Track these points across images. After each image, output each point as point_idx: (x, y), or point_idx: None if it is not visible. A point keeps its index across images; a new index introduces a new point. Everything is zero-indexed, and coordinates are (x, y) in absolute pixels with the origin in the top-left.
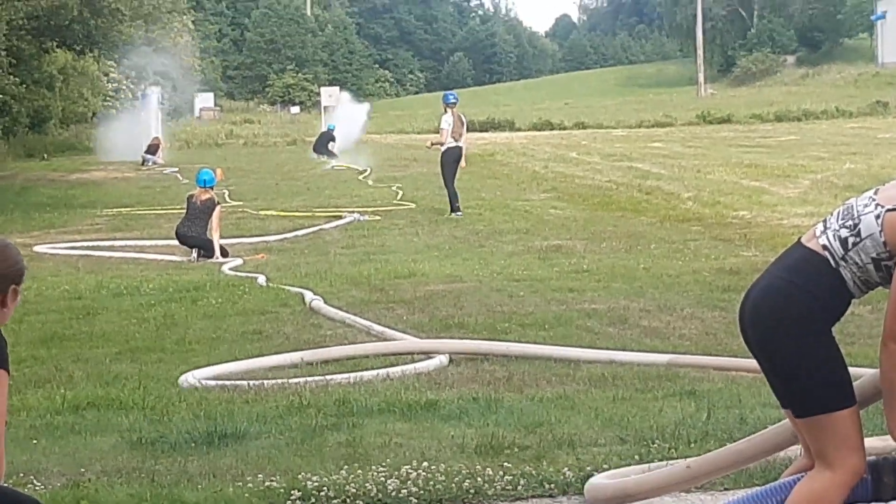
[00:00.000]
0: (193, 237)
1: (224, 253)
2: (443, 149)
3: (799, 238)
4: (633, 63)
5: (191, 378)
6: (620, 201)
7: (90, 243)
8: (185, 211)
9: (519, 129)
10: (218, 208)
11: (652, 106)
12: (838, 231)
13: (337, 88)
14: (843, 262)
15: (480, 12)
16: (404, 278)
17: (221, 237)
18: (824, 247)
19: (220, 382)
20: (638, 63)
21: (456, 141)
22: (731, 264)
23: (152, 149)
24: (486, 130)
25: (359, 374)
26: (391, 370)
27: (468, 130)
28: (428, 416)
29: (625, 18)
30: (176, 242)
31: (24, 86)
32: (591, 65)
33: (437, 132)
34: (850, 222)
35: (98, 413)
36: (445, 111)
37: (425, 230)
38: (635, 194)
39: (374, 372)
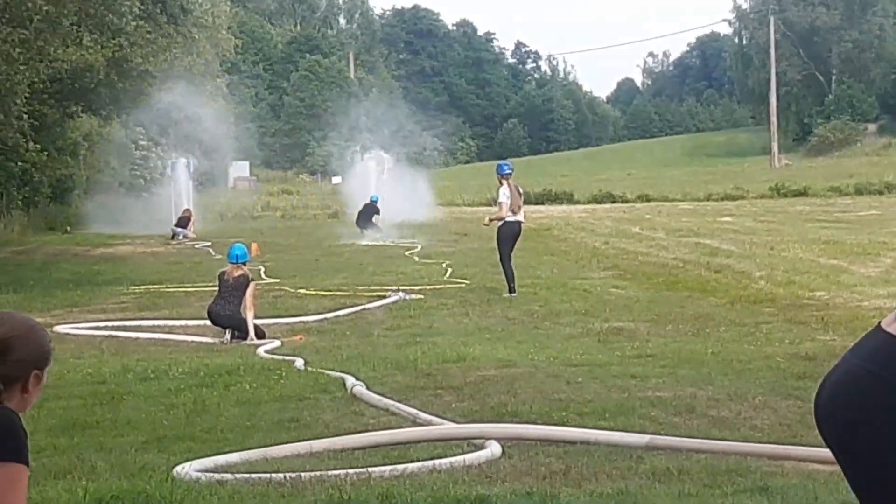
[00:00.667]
0: (227, 316)
1: (260, 334)
2: (500, 223)
3: (879, 322)
4: (701, 131)
5: (190, 470)
6: (687, 280)
7: (115, 323)
8: (217, 289)
9: (578, 202)
10: (252, 285)
11: (721, 177)
12: None
13: (383, 154)
14: None
15: (537, 76)
16: (453, 362)
17: (256, 317)
18: None
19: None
20: (706, 131)
21: (514, 214)
22: (807, 349)
23: (183, 221)
24: (543, 203)
25: (404, 465)
26: (438, 462)
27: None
28: None
29: (692, 83)
30: (208, 323)
31: (46, 153)
32: (656, 132)
33: (491, 204)
34: None
35: None
36: (501, 183)
37: (476, 310)
38: (703, 273)
39: (420, 464)
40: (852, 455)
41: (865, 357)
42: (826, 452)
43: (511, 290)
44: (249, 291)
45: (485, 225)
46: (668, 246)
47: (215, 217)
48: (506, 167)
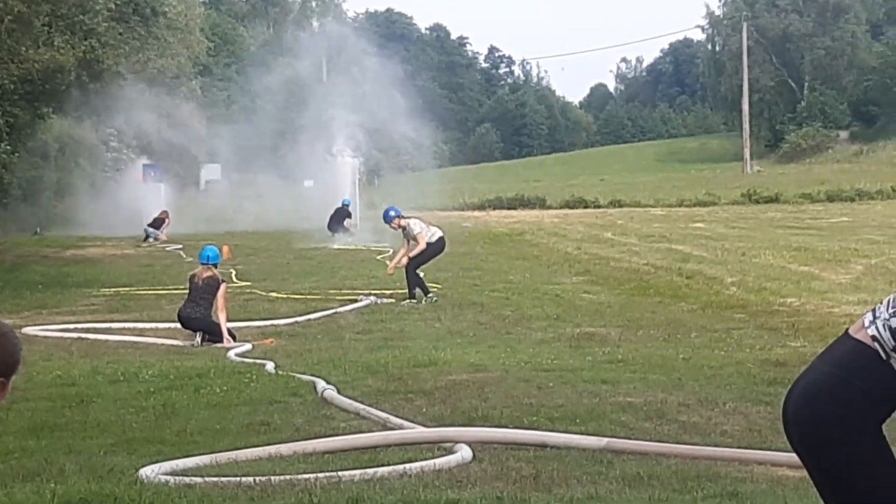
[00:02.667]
0: (197, 319)
1: (231, 337)
2: (430, 244)
3: (846, 329)
4: (674, 137)
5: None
6: (659, 286)
7: (85, 325)
8: (187, 292)
9: (550, 207)
10: (223, 287)
11: (694, 183)
12: (889, 321)
13: (354, 160)
14: (894, 354)
15: (510, 80)
16: (424, 367)
17: (227, 320)
18: (874, 338)
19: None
20: (679, 137)
21: (431, 232)
22: (778, 355)
23: (157, 223)
24: (515, 208)
25: (374, 469)
26: (409, 466)
27: (495, 208)
28: None
29: (665, 89)
30: (178, 325)
31: (17, 154)
32: (629, 138)
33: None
34: None
35: None
36: (401, 225)
37: (448, 315)
38: (675, 279)
39: (391, 468)
40: (819, 459)
41: (833, 363)
42: (795, 458)
43: (412, 297)
44: (221, 294)
45: (390, 274)
46: (640, 251)
47: (186, 219)
48: (392, 211)
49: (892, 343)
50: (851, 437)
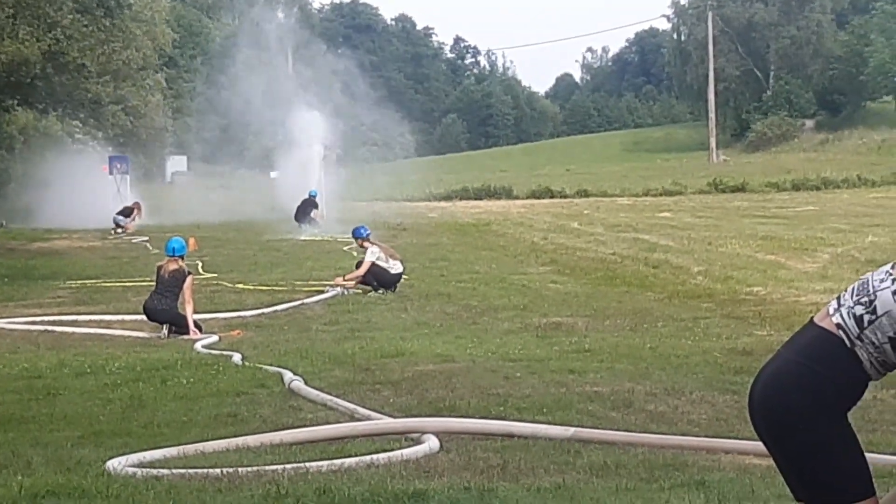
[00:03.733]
0: (164, 311)
1: (198, 328)
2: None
3: (812, 317)
4: (640, 126)
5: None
6: (625, 276)
7: (52, 318)
8: (154, 284)
9: (516, 197)
10: (189, 279)
11: (660, 173)
12: (853, 308)
13: (321, 151)
14: (858, 342)
15: (476, 71)
16: (391, 357)
17: (194, 311)
18: (838, 325)
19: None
20: (645, 126)
21: (390, 263)
22: (745, 344)
23: (126, 211)
24: (481, 198)
25: (341, 460)
26: (376, 457)
27: (461, 199)
28: None
29: (631, 79)
30: (145, 318)
31: None
32: (595, 128)
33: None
34: (866, 299)
35: (58, 502)
36: (364, 246)
37: (414, 305)
38: (641, 268)
39: (358, 458)
40: (784, 447)
41: (798, 351)
42: (762, 446)
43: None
44: (187, 286)
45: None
46: (607, 241)
47: (153, 211)
48: (363, 230)
49: (857, 331)
50: (816, 425)
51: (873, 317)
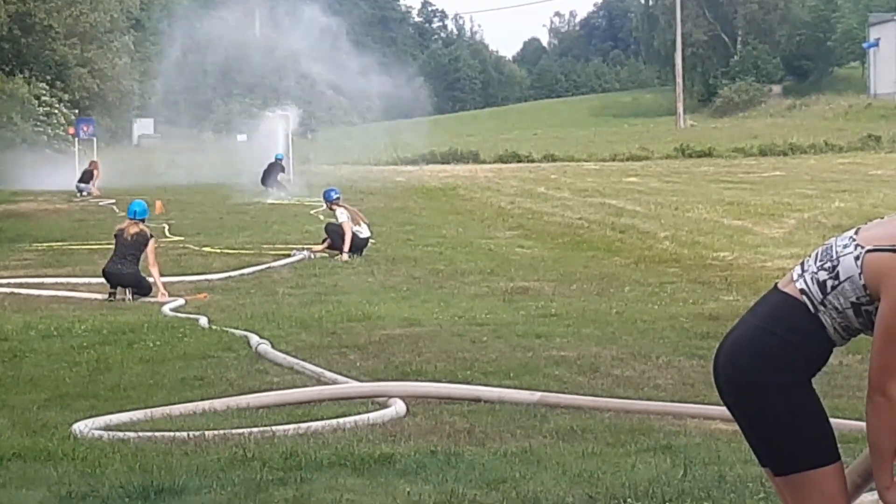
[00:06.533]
0: (128, 275)
1: (150, 290)
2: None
3: (776, 283)
4: (607, 91)
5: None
6: (592, 240)
7: (18, 280)
8: (113, 247)
9: (483, 162)
10: (152, 241)
11: (627, 138)
12: (816, 274)
13: (287, 114)
14: (822, 307)
15: (443, 35)
16: (358, 321)
17: (160, 274)
18: (802, 291)
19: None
20: (612, 91)
21: (359, 227)
22: (711, 309)
23: (86, 176)
24: (448, 162)
25: (308, 424)
26: (342, 420)
27: (428, 163)
28: (382, 471)
29: (598, 43)
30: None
31: None
32: (562, 92)
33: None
34: (829, 264)
35: (24, 465)
36: (333, 208)
37: (381, 269)
38: (608, 233)
39: (325, 422)
40: (747, 411)
41: (762, 316)
42: (728, 411)
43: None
44: (150, 248)
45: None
46: (574, 206)
47: (119, 174)
48: (333, 193)
49: (820, 296)
50: (779, 390)
51: (836, 282)
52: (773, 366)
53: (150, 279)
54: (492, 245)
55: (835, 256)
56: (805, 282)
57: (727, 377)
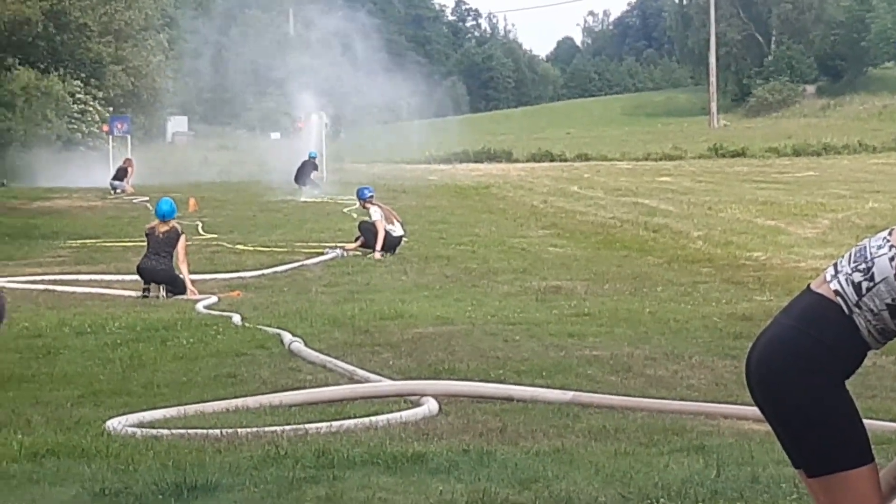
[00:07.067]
0: (162, 272)
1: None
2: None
3: (809, 284)
4: (641, 90)
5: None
6: (625, 240)
7: (52, 277)
8: (146, 246)
9: (517, 161)
10: (182, 238)
11: (660, 137)
12: (851, 275)
13: (322, 113)
14: (856, 309)
15: (477, 34)
16: (391, 320)
17: (191, 272)
18: (836, 292)
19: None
20: (646, 91)
21: (393, 226)
22: (744, 309)
23: (120, 173)
24: (481, 161)
25: (340, 422)
26: (375, 419)
27: (461, 162)
28: (415, 470)
29: (632, 42)
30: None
31: None
32: (596, 92)
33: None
34: (864, 265)
35: (58, 461)
36: (367, 207)
37: (414, 268)
38: (641, 232)
39: (357, 420)
40: (779, 413)
41: (795, 317)
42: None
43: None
44: (181, 245)
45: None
46: (607, 205)
47: (153, 172)
48: (367, 191)
49: (855, 298)
50: (812, 392)
51: (871, 283)
52: (806, 367)
53: (181, 276)
54: (524, 244)
55: (869, 258)
56: (839, 283)
57: (760, 377)
